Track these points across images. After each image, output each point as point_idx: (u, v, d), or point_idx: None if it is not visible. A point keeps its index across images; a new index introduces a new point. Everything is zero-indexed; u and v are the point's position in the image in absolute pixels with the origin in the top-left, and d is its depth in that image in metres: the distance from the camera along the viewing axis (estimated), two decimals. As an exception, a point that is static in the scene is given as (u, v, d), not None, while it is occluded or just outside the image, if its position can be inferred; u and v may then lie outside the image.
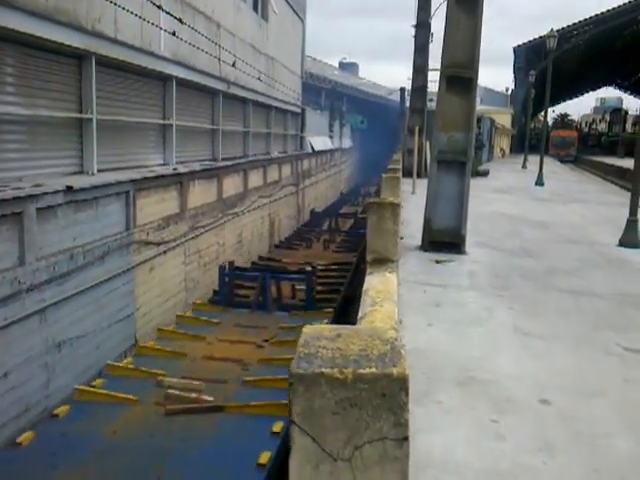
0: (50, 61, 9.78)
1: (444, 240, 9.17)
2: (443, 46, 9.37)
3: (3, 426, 7.91)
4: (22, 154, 9.21)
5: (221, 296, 14.99)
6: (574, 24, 44.70)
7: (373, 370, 1.68)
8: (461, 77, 9.14)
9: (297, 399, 1.68)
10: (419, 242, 9.54)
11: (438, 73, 9.34)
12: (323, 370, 1.68)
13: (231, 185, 17.90)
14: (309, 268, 16.17)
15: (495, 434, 3.99)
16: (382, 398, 1.68)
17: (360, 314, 4.27)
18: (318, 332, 1.91)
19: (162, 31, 12.34)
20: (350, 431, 1.70)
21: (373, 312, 4.12)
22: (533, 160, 33.63)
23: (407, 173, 18.62)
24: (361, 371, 1.68)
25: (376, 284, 4.93)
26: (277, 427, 8.72)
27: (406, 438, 1.70)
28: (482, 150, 34.83)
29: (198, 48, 14.35)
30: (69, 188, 9.25)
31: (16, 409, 8.17)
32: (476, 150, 32.89)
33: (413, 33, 24.85)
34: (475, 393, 4.53)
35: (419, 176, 18.72)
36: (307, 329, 1.95)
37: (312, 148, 30.75)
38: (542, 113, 59.95)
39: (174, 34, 12.03)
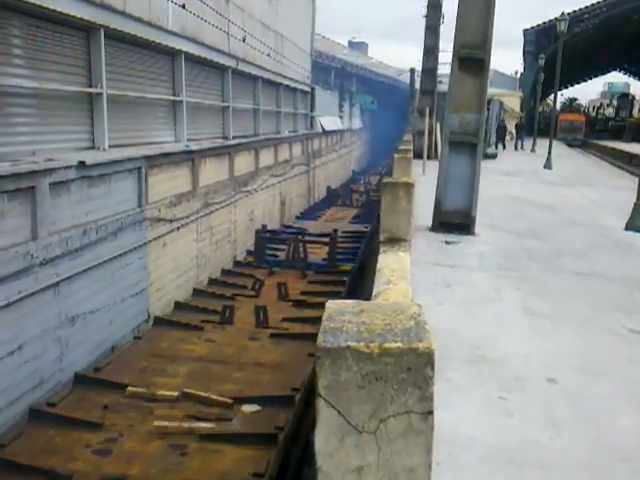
0: (59, 34, 9.71)
1: (454, 221, 9.21)
2: (456, 26, 9.32)
3: (18, 399, 8.05)
4: (34, 128, 9.21)
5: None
6: (586, 7, 43.99)
7: (399, 344, 1.73)
8: (473, 58, 9.10)
9: (323, 372, 1.73)
10: (429, 223, 9.59)
11: (448, 55, 9.31)
12: (349, 344, 1.73)
13: (243, 163, 17.90)
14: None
15: (504, 411, 4.08)
16: (407, 372, 1.73)
17: (374, 292, 4.33)
18: (341, 307, 1.96)
19: (170, 5, 12.24)
20: (375, 404, 1.75)
21: (387, 290, 4.18)
22: (541, 144, 33.42)
23: (417, 155, 18.57)
24: (387, 345, 1.73)
25: (390, 263, 4.99)
26: None
27: (431, 412, 1.76)
28: (503, 132, 34.88)
29: (206, 21, 14.25)
30: (81, 163, 9.28)
31: (31, 382, 8.30)
32: (498, 133, 33.02)
33: (424, 13, 24.62)
34: (484, 371, 4.61)
35: (429, 158, 18.68)
36: (330, 304, 2.00)
37: (322, 128, 30.63)
38: (551, 97, 59.41)
39: (183, 7, 11.94)
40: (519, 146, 34.54)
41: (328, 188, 33.12)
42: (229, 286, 14.60)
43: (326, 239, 18.21)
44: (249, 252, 18.07)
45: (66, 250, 9.04)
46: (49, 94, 9.45)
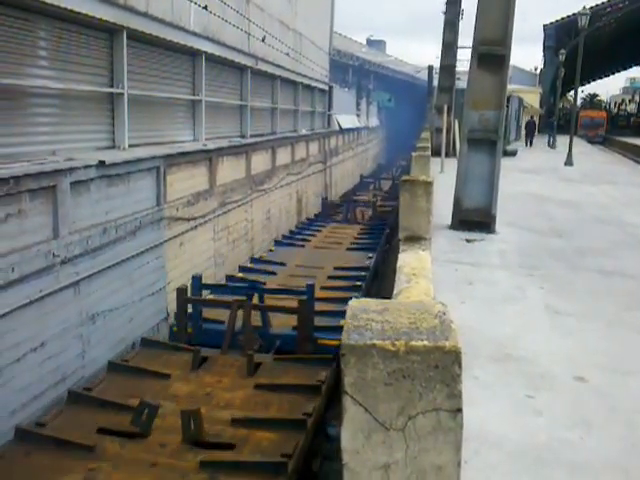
0: (83, 35, 9.81)
1: (474, 219, 9.13)
2: (475, 23, 9.24)
3: (42, 394, 8.14)
4: (55, 128, 9.30)
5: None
6: (607, 1, 43.41)
7: (425, 343, 1.71)
8: (493, 54, 9.01)
9: (349, 370, 1.72)
10: (448, 221, 9.52)
11: (467, 51, 9.24)
12: (375, 342, 1.71)
13: (260, 162, 17.92)
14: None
15: (531, 409, 4.04)
16: (435, 370, 1.71)
17: (395, 290, 4.30)
18: (365, 305, 1.94)
19: (192, 6, 12.30)
20: (403, 402, 1.73)
21: (409, 289, 4.15)
22: (561, 141, 33.09)
23: (435, 152, 18.48)
24: (413, 343, 1.71)
25: (410, 261, 4.95)
26: None
27: (460, 409, 1.73)
28: (532, 129, 34.90)
29: (227, 21, 14.29)
30: (102, 162, 9.35)
31: (53, 378, 8.39)
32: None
33: (443, 9, 24.47)
34: (510, 369, 4.57)
35: (447, 155, 18.57)
36: (354, 302, 1.98)
37: (339, 126, 30.58)
38: (571, 93, 58.74)
39: (205, 8, 11.99)
40: (550, 143, 34.14)
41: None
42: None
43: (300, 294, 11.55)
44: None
45: (86, 249, 9.12)
46: (71, 94, 9.53)
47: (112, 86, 10.58)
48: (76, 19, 9.33)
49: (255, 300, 10.61)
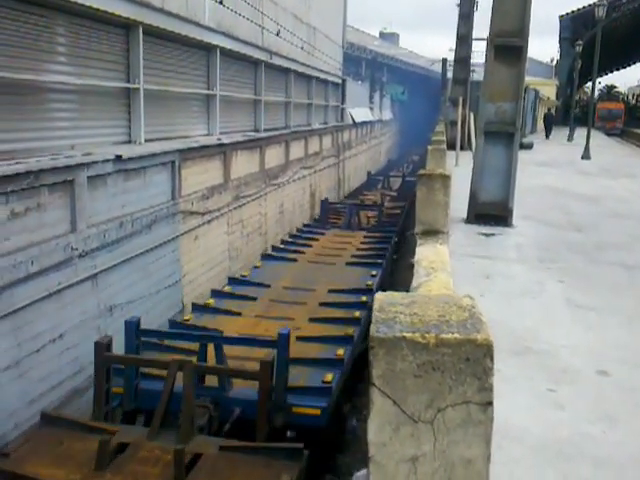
0: (99, 31, 9.86)
1: (490, 213, 9.07)
2: (492, 14, 9.15)
3: (60, 384, 8.22)
4: (73, 123, 9.36)
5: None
6: (624, -9, 42.86)
7: (456, 335, 1.70)
8: (510, 46, 8.92)
9: (378, 362, 1.71)
10: (464, 215, 9.46)
11: (480, 43, 9.17)
12: (405, 334, 1.71)
13: (273, 156, 17.93)
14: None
15: (553, 403, 4.01)
16: (466, 363, 1.70)
17: (414, 284, 4.28)
18: (391, 298, 1.94)
19: (206, 1, 12.29)
20: (432, 394, 1.73)
21: (428, 282, 4.13)
22: (577, 133, 32.76)
23: (450, 145, 18.36)
24: (444, 336, 1.70)
25: (428, 255, 4.93)
26: None
27: (490, 403, 1.73)
28: (551, 121, 34.74)
29: (241, 15, 14.27)
30: (118, 157, 9.41)
31: (71, 368, 8.47)
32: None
33: (457, 1, 24.29)
34: (531, 363, 4.54)
35: (462, 148, 18.45)
36: (380, 295, 1.97)
37: (353, 120, 30.47)
38: (588, 84, 58.07)
39: (221, 2, 11.99)
40: (571, 136, 33.86)
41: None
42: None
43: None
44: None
45: (103, 242, 9.18)
46: (88, 89, 9.59)
47: (128, 81, 10.63)
48: (93, 15, 9.37)
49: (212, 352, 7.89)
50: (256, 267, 13.85)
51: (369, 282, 12.15)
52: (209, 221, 13.18)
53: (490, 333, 1.74)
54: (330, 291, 11.54)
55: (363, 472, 8.15)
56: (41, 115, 8.55)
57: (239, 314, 10.24)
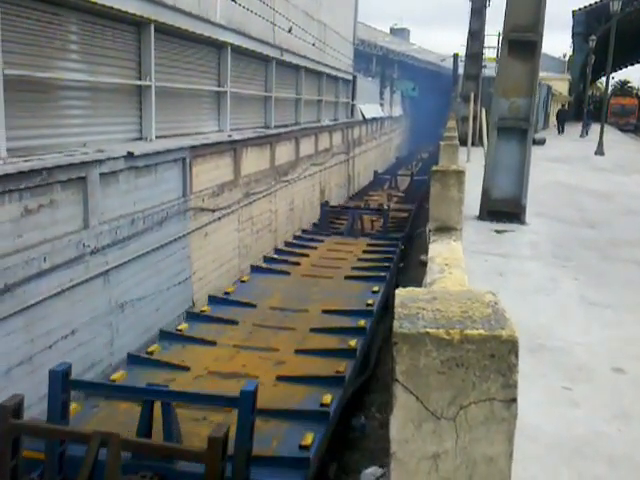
0: (112, 29, 9.88)
1: (503, 210, 9.02)
2: (506, 9, 9.08)
3: (71, 381, 8.26)
4: (86, 120, 9.39)
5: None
6: (640, -15, 42.40)
7: (481, 331, 1.68)
8: (524, 41, 8.85)
9: (401, 358, 1.69)
10: (476, 212, 9.41)
11: (492, 39, 9.11)
12: (429, 330, 1.69)
13: (283, 152, 17.91)
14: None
15: (568, 401, 3.97)
16: (490, 359, 1.68)
17: (428, 280, 4.25)
18: (412, 294, 1.92)
19: (218, -1, 12.30)
20: (455, 391, 1.71)
21: (443, 279, 4.10)
22: (590, 129, 32.52)
23: (461, 141, 18.26)
24: (468, 332, 1.68)
25: (442, 252, 4.90)
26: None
27: (514, 399, 1.70)
28: (564, 117, 34.70)
29: (252, 12, 14.26)
30: (130, 154, 9.42)
31: (82, 365, 8.50)
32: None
33: (469, -4, 24.14)
34: (546, 360, 4.50)
35: (473, 144, 18.36)
36: (400, 291, 1.95)
37: (363, 116, 30.40)
38: (600, 80, 57.57)
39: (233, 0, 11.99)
40: (584, 132, 33.69)
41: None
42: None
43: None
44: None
45: (115, 239, 9.21)
46: (100, 87, 9.61)
47: (140, 79, 10.64)
48: (105, 13, 9.39)
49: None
50: (242, 281, 12.23)
51: (369, 301, 10.71)
52: (219, 218, 13.19)
53: (515, 329, 1.72)
54: (324, 312, 10.14)
55: (371, 469, 8.13)
56: (53, 112, 8.57)
57: (214, 343, 8.81)
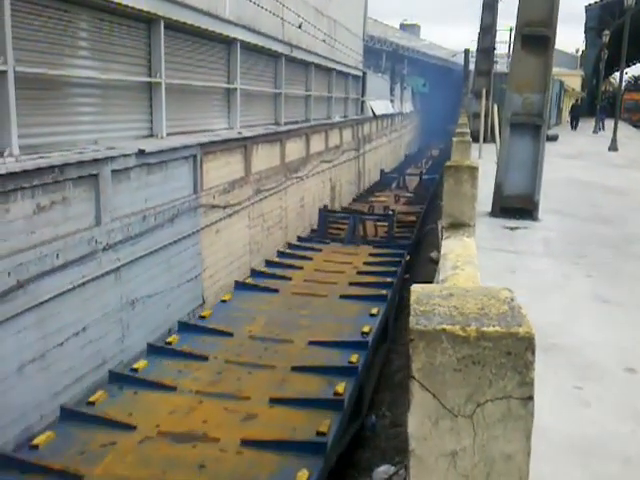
0: (121, 26, 9.89)
1: (516, 206, 8.96)
2: (519, 3, 9.02)
3: (82, 377, 8.30)
4: (96, 117, 9.42)
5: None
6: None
7: (497, 328, 1.66)
8: (538, 35, 8.78)
9: (417, 355, 1.68)
10: (488, 208, 9.35)
11: (504, 34, 9.06)
12: (445, 327, 1.67)
13: (294, 149, 17.90)
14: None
15: (580, 400, 3.94)
16: (507, 357, 1.66)
17: (441, 277, 4.23)
18: (428, 290, 1.90)
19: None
20: (472, 388, 1.69)
21: (455, 276, 4.07)
22: (604, 124, 32.24)
23: (473, 137, 18.17)
24: (485, 329, 1.66)
25: (455, 248, 4.87)
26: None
27: (531, 397, 1.69)
28: (578, 112, 34.63)
29: (262, 7, 14.24)
30: (141, 151, 9.45)
31: (94, 361, 8.55)
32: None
33: (481, -9, 23.98)
34: (557, 359, 4.46)
35: (485, 140, 18.26)
36: (416, 287, 1.94)
37: (373, 112, 30.32)
38: (614, 75, 57.03)
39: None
40: (599, 128, 33.46)
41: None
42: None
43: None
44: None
45: (127, 236, 9.24)
46: (111, 84, 9.63)
47: (150, 75, 10.65)
48: (115, 9, 9.40)
49: None
50: (223, 301, 10.85)
51: (365, 328, 9.31)
52: (230, 215, 13.20)
53: (532, 326, 1.69)
54: (311, 343, 8.84)
55: (383, 468, 8.12)
56: (65, 110, 8.59)
57: (173, 388, 7.54)
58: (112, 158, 8.77)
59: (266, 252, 15.43)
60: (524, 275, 6.36)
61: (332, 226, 17.37)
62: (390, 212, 17.83)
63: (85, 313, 8.34)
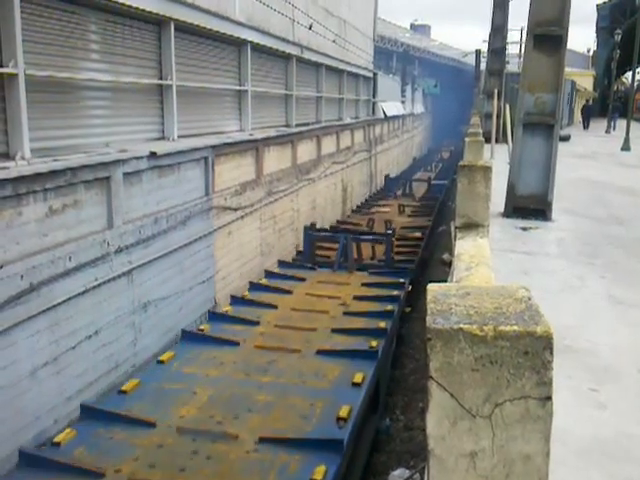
0: (132, 28, 9.93)
1: (529, 206, 8.89)
2: (530, 2, 8.96)
3: (95, 381, 8.32)
4: (108, 120, 9.45)
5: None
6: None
7: (515, 327, 1.64)
8: (550, 35, 8.73)
9: (435, 355, 1.66)
10: (500, 209, 9.29)
11: (515, 34, 9.02)
12: (462, 326, 1.65)
13: (305, 151, 17.92)
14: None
15: (595, 403, 3.89)
16: (524, 356, 1.64)
17: (455, 278, 4.20)
18: (445, 290, 1.88)
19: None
20: (490, 388, 1.67)
21: (469, 276, 4.04)
22: (616, 125, 32.00)
23: (485, 138, 18.09)
24: (502, 328, 1.64)
25: (469, 249, 4.83)
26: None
27: (549, 397, 1.66)
28: (589, 112, 34.59)
29: (272, 8, 14.26)
30: (153, 154, 9.47)
31: (107, 365, 8.57)
32: None
33: (491, -9, 23.88)
34: (572, 362, 4.41)
35: (497, 141, 18.17)
36: (432, 287, 1.92)
37: (384, 113, 30.29)
38: (626, 75, 56.55)
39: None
40: (610, 128, 33.25)
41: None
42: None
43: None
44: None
45: (139, 239, 9.27)
46: (121, 87, 9.66)
47: (161, 78, 10.69)
48: (125, 12, 9.44)
49: None
50: (160, 362, 8.36)
51: (343, 410, 6.75)
52: (242, 217, 13.22)
53: (550, 325, 1.67)
54: (262, 441, 6.23)
55: (399, 471, 8.05)
56: (76, 113, 8.63)
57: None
58: (124, 161, 8.80)
59: (278, 254, 15.43)
60: (538, 276, 6.30)
61: (322, 246, 14.45)
62: (389, 231, 14.57)
63: (98, 316, 8.36)
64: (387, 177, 28.26)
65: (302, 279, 12.34)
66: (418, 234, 17.08)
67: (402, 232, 17.04)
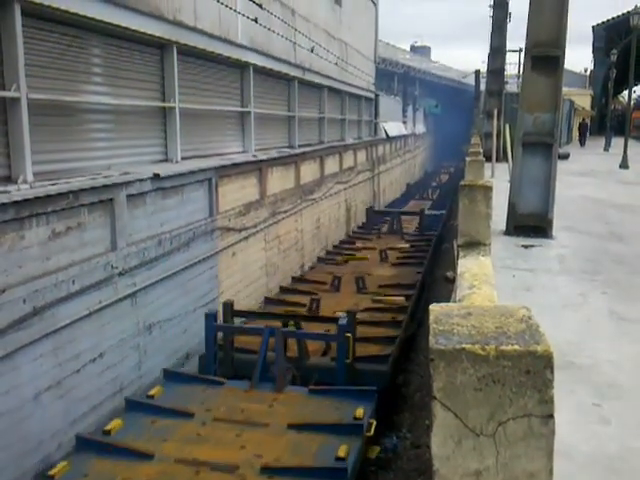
0: (134, 51, 10.03)
1: (530, 224, 8.94)
2: (528, 25, 9.10)
3: (100, 404, 8.29)
4: (110, 143, 9.50)
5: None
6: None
7: (516, 347, 1.67)
8: (547, 56, 8.85)
9: (438, 375, 1.69)
10: (502, 227, 9.34)
11: (514, 55, 9.14)
12: (464, 346, 1.69)
13: (308, 171, 18.01)
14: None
15: (600, 418, 3.90)
16: (526, 375, 1.67)
17: (458, 296, 4.23)
18: (447, 310, 1.92)
19: (239, 19, 12.48)
20: (493, 407, 1.70)
21: (472, 295, 4.07)
22: (613, 142, 32.18)
23: (485, 157, 18.20)
24: (504, 348, 1.68)
25: (471, 267, 4.87)
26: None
27: (551, 415, 1.69)
28: (585, 130, 35.09)
29: (275, 32, 14.44)
30: (156, 175, 9.54)
31: (111, 388, 8.54)
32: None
33: (489, 13, 24.21)
34: (575, 377, 4.43)
35: (497, 160, 18.28)
36: (434, 307, 1.96)
37: (386, 134, 30.52)
38: (623, 94, 56.97)
39: (255, 20, 12.16)
40: (607, 146, 33.45)
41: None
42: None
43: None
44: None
45: (143, 260, 9.27)
46: (125, 109, 9.74)
47: (164, 100, 10.78)
48: (127, 35, 9.53)
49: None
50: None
51: None
52: (246, 237, 13.25)
53: (550, 344, 1.70)
54: None
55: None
56: (78, 136, 8.67)
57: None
58: (127, 183, 8.85)
59: (283, 274, 15.44)
60: (540, 293, 6.34)
61: (239, 339, 9.99)
62: (342, 321, 8.99)
63: (102, 339, 8.33)
64: (370, 209, 23.72)
65: (201, 403, 8.10)
66: (401, 299, 12.28)
67: (379, 293, 12.58)
